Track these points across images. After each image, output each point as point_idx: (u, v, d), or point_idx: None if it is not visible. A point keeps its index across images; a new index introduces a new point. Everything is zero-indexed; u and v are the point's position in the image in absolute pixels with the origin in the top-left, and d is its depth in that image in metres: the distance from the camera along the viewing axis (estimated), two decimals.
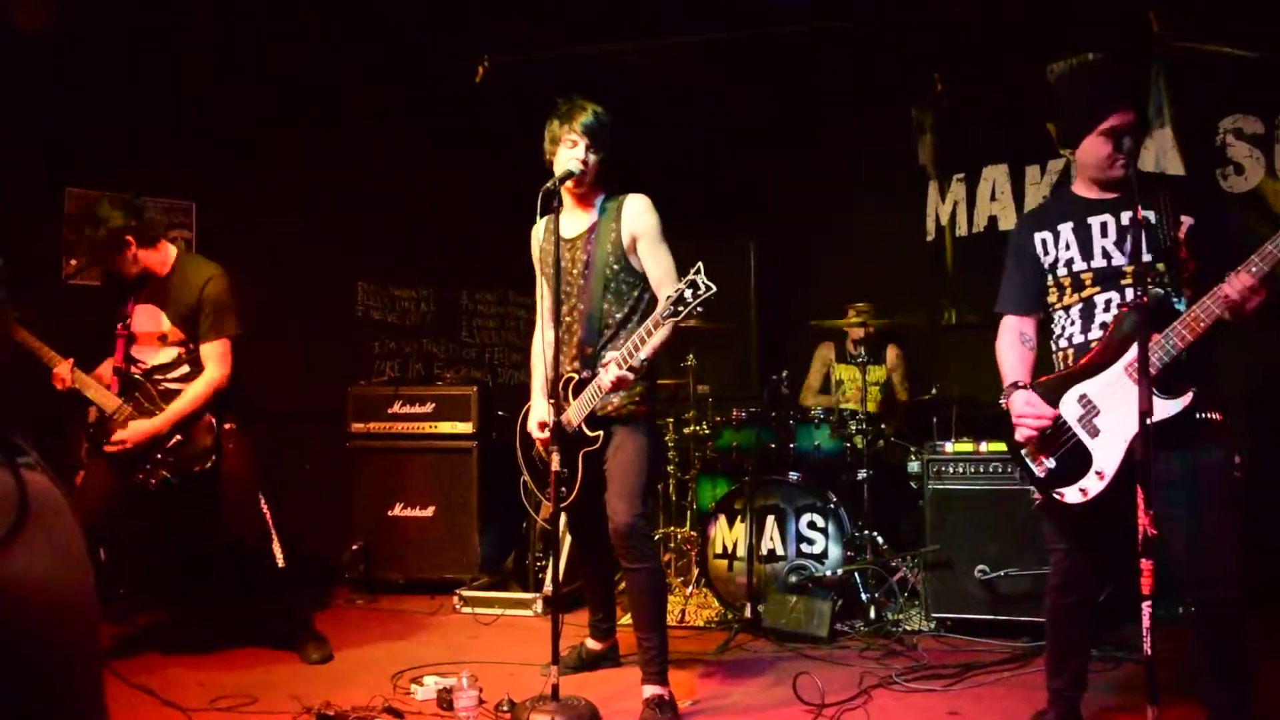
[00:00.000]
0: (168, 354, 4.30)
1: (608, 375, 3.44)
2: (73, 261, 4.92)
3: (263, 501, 4.45)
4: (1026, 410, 3.01)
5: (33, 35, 5.31)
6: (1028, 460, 3.08)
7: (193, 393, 4.21)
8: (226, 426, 4.28)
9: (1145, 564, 2.44)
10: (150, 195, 5.85)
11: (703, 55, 6.74)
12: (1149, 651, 2.45)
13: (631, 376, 3.45)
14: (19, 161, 5.32)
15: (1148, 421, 2.49)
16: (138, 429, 4.13)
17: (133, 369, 4.30)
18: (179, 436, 4.19)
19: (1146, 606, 2.44)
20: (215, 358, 4.25)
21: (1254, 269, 2.62)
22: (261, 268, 5.49)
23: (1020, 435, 3.06)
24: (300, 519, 5.13)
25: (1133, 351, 2.77)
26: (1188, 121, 5.59)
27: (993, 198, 6.58)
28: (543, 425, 3.77)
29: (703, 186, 7.31)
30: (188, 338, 4.28)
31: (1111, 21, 5.76)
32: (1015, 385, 3.11)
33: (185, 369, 4.28)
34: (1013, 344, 3.22)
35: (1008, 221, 6.48)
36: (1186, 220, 2.93)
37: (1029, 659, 4.26)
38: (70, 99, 5.52)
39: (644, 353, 3.44)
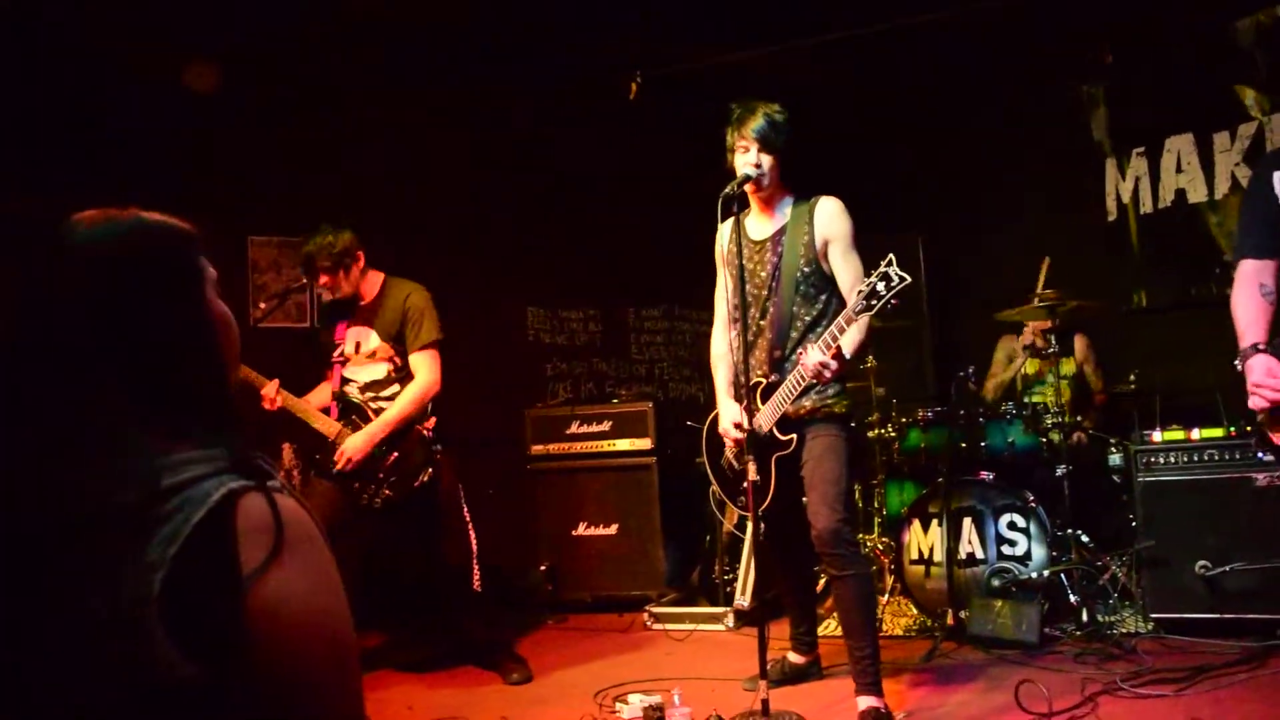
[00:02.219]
0: (378, 370, 4.43)
1: (811, 358, 3.33)
2: (261, 305, 5.15)
3: (469, 524, 4.53)
4: (1265, 379, 2.75)
5: (204, 96, 5.59)
6: (1267, 432, 2.82)
7: (405, 399, 4.32)
8: (437, 447, 4.37)
9: None
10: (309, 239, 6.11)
11: (857, 49, 6.58)
12: None
13: (835, 366, 3.35)
14: (201, 214, 5.55)
15: None
16: (355, 443, 4.24)
17: (347, 389, 4.44)
18: (396, 454, 4.29)
19: None
20: (424, 365, 4.37)
21: None
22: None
23: (1254, 404, 2.79)
24: (487, 542, 5.20)
25: None
26: None
27: (1179, 170, 6.22)
28: (737, 425, 3.70)
29: (867, 183, 7.13)
30: (396, 353, 4.40)
31: None
32: (1255, 348, 2.83)
33: (396, 387, 4.40)
34: (1250, 296, 2.93)
35: (1197, 194, 6.11)
36: None
37: (1264, 659, 3.96)
38: (243, 152, 5.78)
39: (845, 342, 3.34)
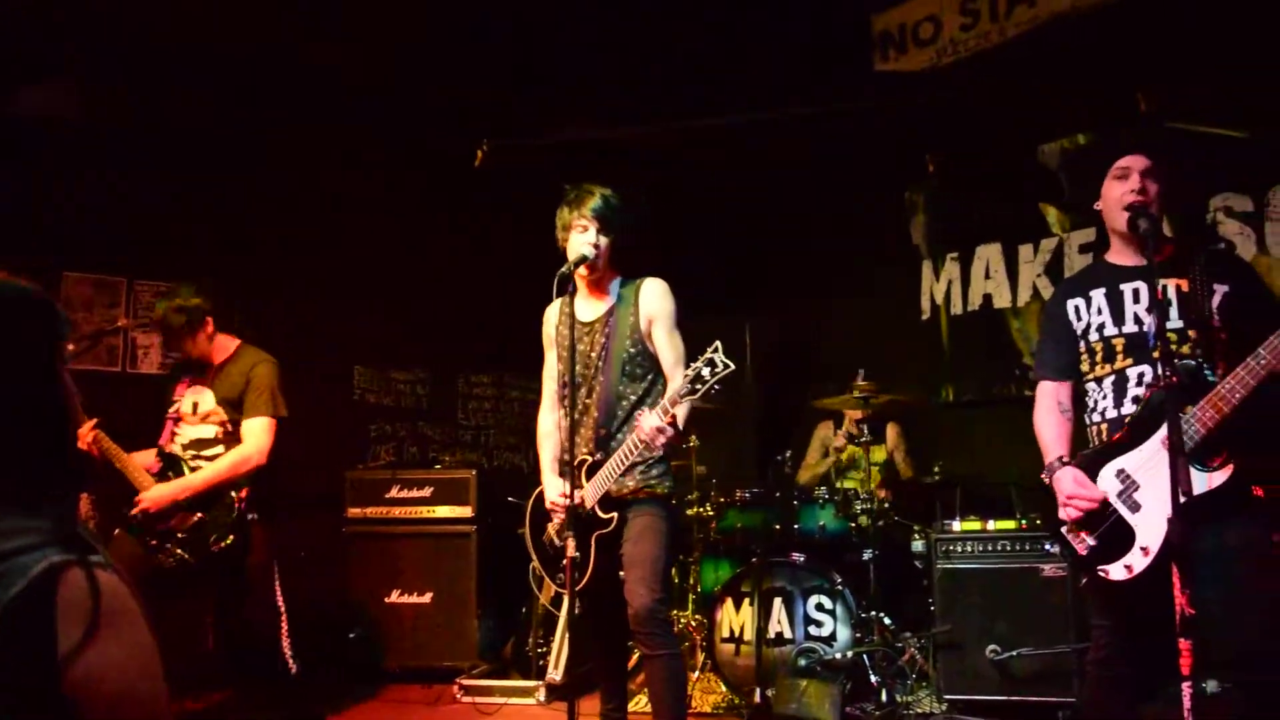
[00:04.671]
0: (206, 430, 4.30)
1: (648, 422, 3.38)
2: (70, 345, 4.90)
3: (280, 599, 4.37)
4: (1077, 490, 2.94)
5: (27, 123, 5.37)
6: (1068, 538, 3.02)
7: (223, 462, 4.18)
8: (251, 516, 4.21)
9: (1184, 643, 2.40)
10: (145, 279, 5.88)
11: (699, 138, 6.83)
12: None
13: (670, 433, 3.41)
14: (14, 247, 5.31)
15: (1181, 500, 2.46)
16: (156, 494, 4.06)
17: (172, 446, 4.28)
18: (200, 515, 4.12)
19: (1187, 686, 2.40)
20: (253, 434, 4.24)
21: None
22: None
23: (1067, 515, 2.98)
24: (297, 606, 5.03)
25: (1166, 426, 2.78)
26: (1179, 200, 5.68)
27: (987, 276, 6.65)
28: (565, 495, 3.71)
29: (698, 268, 7.35)
30: (229, 420, 4.26)
31: (1101, 102, 5.89)
32: (1060, 460, 3.06)
33: (220, 449, 4.24)
34: (1050, 412, 3.17)
35: (1002, 300, 6.54)
36: (1220, 288, 2.92)
37: None
38: (62, 187, 5.55)
39: (679, 414, 3.41)
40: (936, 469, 5.80)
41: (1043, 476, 3.11)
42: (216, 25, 5.59)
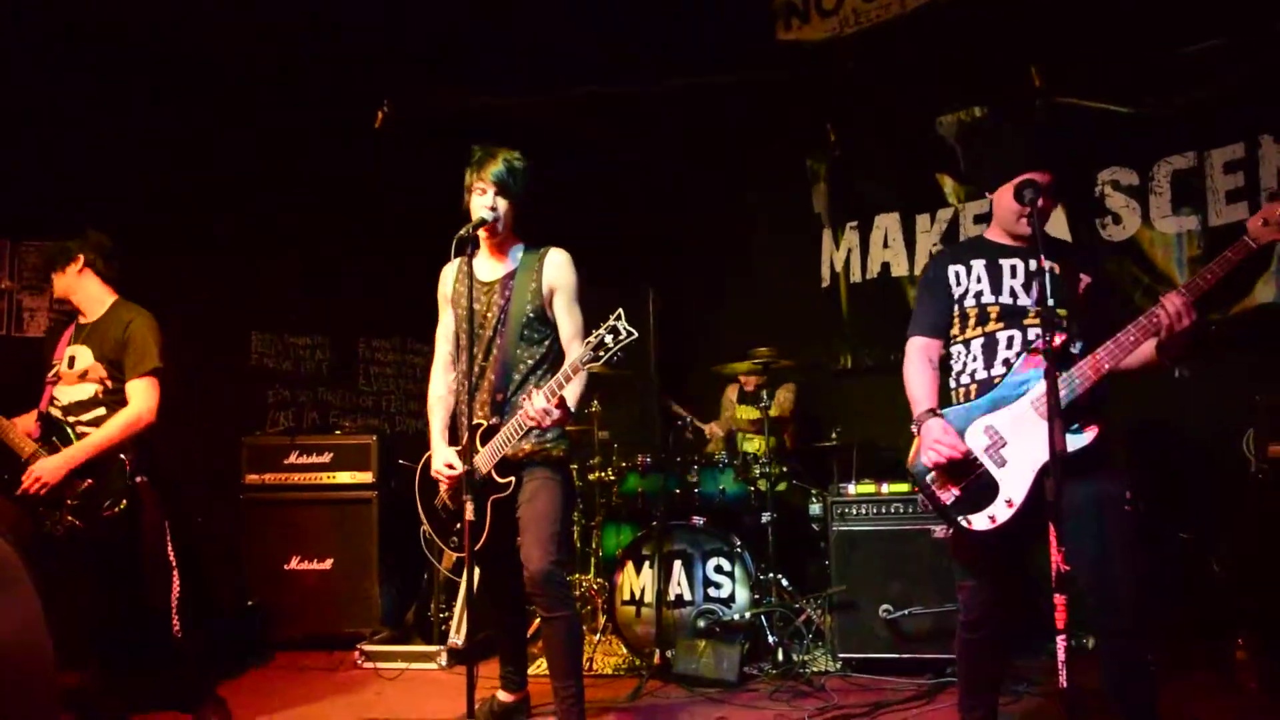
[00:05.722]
0: (85, 390, 4.14)
1: (534, 404, 3.40)
2: None
3: (174, 564, 4.27)
4: (943, 437, 3.03)
5: None
6: (934, 489, 3.12)
7: (113, 424, 4.04)
8: (139, 480, 4.09)
9: (1058, 598, 2.50)
10: (27, 239, 5.67)
11: (601, 106, 6.81)
12: (1064, 684, 2.51)
13: (557, 414, 3.43)
14: None
15: (1059, 459, 2.57)
16: (48, 465, 3.94)
17: (52, 408, 4.14)
18: (90, 481, 4.00)
19: (1061, 640, 2.51)
20: (140, 393, 4.10)
21: (1184, 290, 2.79)
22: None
23: (927, 459, 3.07)
24: (193, 575, 4.93)
25: (1038, 387, 2.89)
26: (1068, 174, 5.86)
27: (885, 245, 6.78)
28: (450, 466, 3.73)
29: (600, 234, 7.35)
30: (109, 376, 4.12)
31: (997, 76, 6.02)
32: (931, 411, 3.15)
33: (101, 410, 4.10)
34: (922, 368, 3.27)
35: (900, 268, 6.68)
36: (1085, 278, 3.11)
37: (934, 695, 4.35)
38: None
39: (568, 393, 3.43)
40: (834, 434, 5.92)
41: (911, 427, 3.20)
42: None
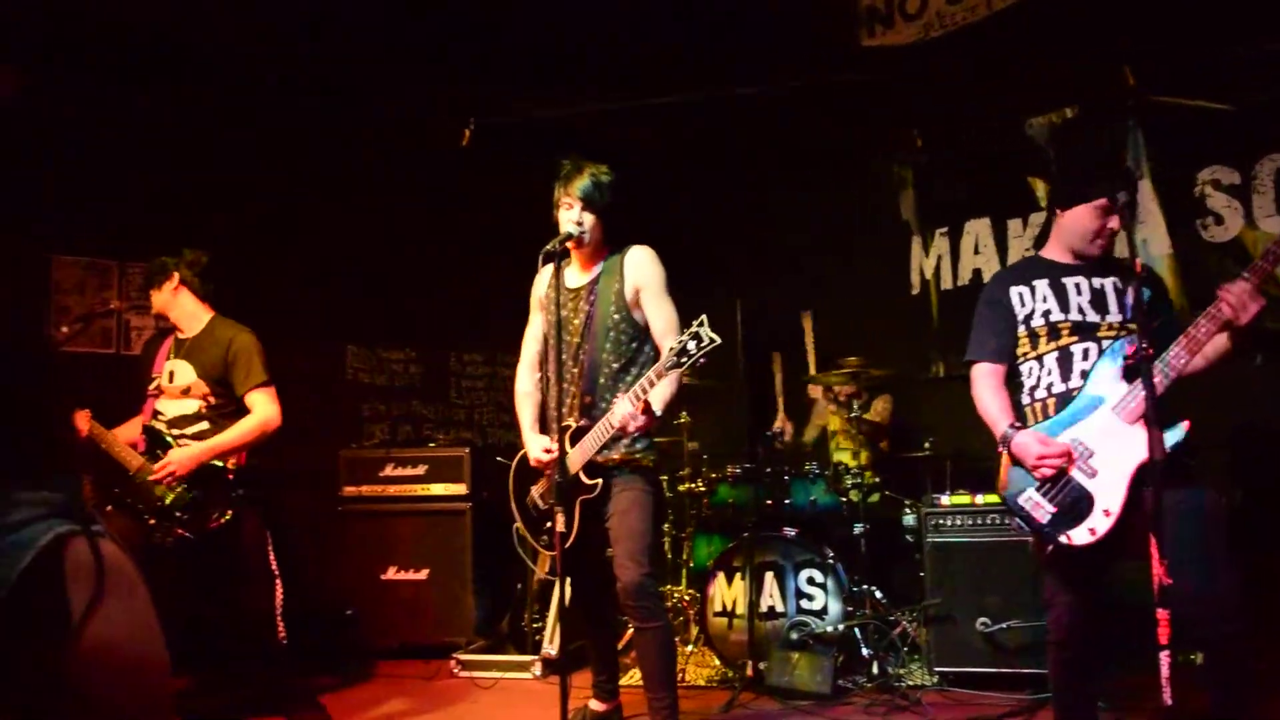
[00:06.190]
0: (188, 406, 4.30)
1: (619, 410, 3.43)
2: (64, 328, 4.96)
3: (275, 573, 4.41)
4: (1044, 449, 2.98)
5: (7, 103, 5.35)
6: (1029, 511, 3.06)
7: (244, 426, 4.20)
8: (242, 492, 4.24)
9: (1161, 613, 2.44)
10: (133, 260, 5.89)
11: (690, 116, 6.83)
12: (1169, 701, 2.44)
13: (643, 420, 3.45)
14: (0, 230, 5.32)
15: (1156, 467, 2.51)
16: (181, 455, 4.08)
17: (155, 422, 4.30)
18: (196, 492, 4.15)
19: (1165, 656, 2.44)
20: (263, 401, 4.27)
21: (1247, 275, 2.76)
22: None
23: (1039, 475, 3.01)
24: (292, 585, 5.07)
25: (1118, 393, 2.85)
26: (1166, 174, 5.71)
27: (976, 251, 6.67)
28: (547, 450, 3.74)
29: (688, 243, 7.36)
30: (212, 392, 4.27)
31: (1088, 76, 5.89)
32: (1014, 427, 3.11)
33: (205, 425, 4.26)
34: (994, 389, 3.23)
35: (991, 274, 6.55)
36: (1145, 291, 3.03)
37: (1034, 712, 4.25)
38: (48, 170, 5.56)
39: (654, 397, 3.45)
40: (926, 444, 5.84)
41: (999, 449, 3.15)
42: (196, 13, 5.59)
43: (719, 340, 3.25)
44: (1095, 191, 3.08)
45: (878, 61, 6.38)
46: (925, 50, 6.25)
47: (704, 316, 3.30)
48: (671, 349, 3.30)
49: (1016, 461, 3.10)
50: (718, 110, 6.88)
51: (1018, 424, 3.12)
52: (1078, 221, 3.14)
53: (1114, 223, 3.04)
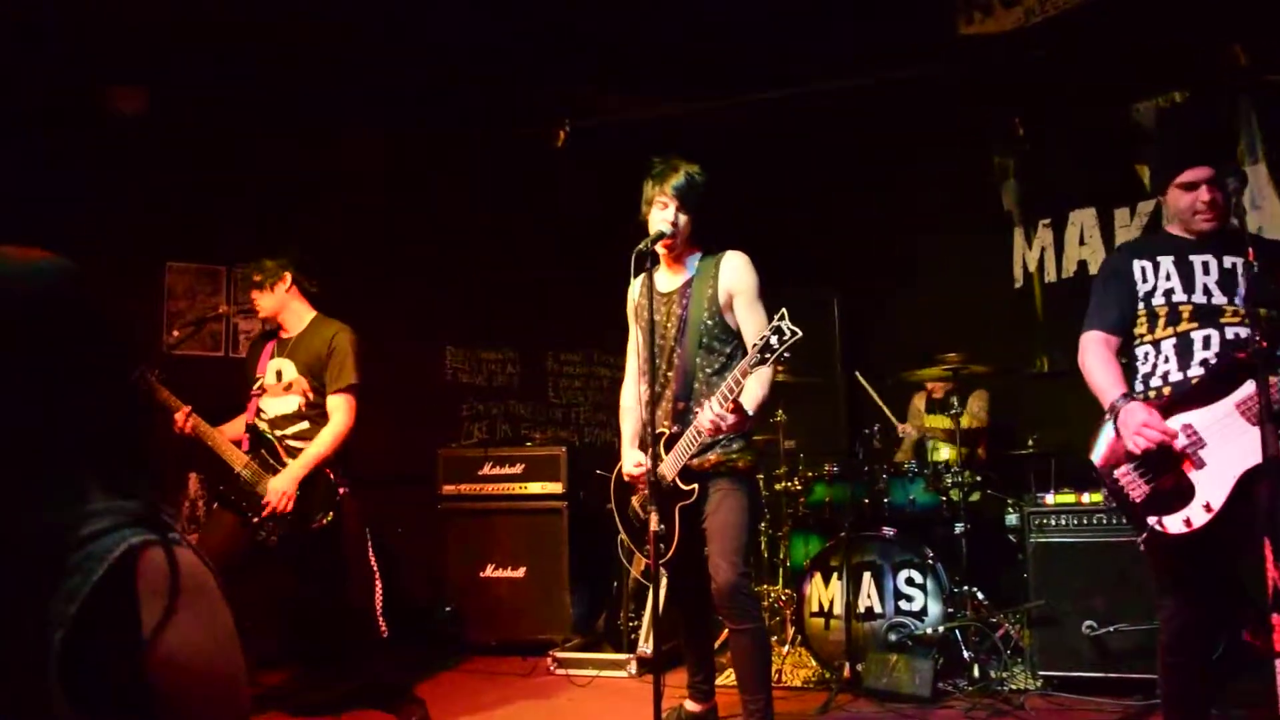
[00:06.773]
0: (289, 403, 4.42)
1: (706, 415, 3.42)
2: (175, 331, 5.14)
3: (375, 569, 4.50)
4: (1150, 420, 2.85)
5: (125, 119, 5.59)
6: (1123, 485, 2.94)
7: (323, 440, 4.30)
8: (341, 490, 4.34)
9: (1276, 618, 2.34)
10: (240, 265, 6.07)
11: (781, 110, 6.76)
12: None
13: (732, 420, 3.42)
14: (118, 238, 5.56)
15: (1273, 465, 2.39)
16: (279, 486, 4.20)
17: (259, 420, 4.42)
18: (299, 494, 4.26)
19: (1279, 663, 2.33)
20: (340, 408, 4.36)
21: None
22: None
23: (1135, 446, 2.87)
24: (392, 581, 5.17)
25: (1243, 390, 2.72)
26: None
27: (1081, 242, 6.48)
28: (639, 465, 3.77)
29: (784, 239, 7.31)
30: (311, 389, 4.39)
31: (1197, 57, 5.67)
32: (1126, 396, 2.97)
33: (305, 424, 4.38)
34: (1105, 358, 3.11)
35: (1098, 265, 6.35)
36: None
37: (1144, 717, 4.11)
38: (163, 179, 5.77)
39: (745, 396, 3.42)
40: (1030, 441, 5.69)
41: (1107, 417, 3.01)
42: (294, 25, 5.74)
43: (800, 333, 3.19)
44: (1173, 168, 2.97)
45: (976, 49, 6.23)
46: (1026, 36, 6.08)
47: (784, 310, 3.25)
48: (755, 345, 3.27)
49: (1118, 433, 2.98)
50: (813, 105, 6.81)
51: (1127, 393, 2.99)
52: (1174, 202, 3.06)
53: (1204, 194, 2.91)
